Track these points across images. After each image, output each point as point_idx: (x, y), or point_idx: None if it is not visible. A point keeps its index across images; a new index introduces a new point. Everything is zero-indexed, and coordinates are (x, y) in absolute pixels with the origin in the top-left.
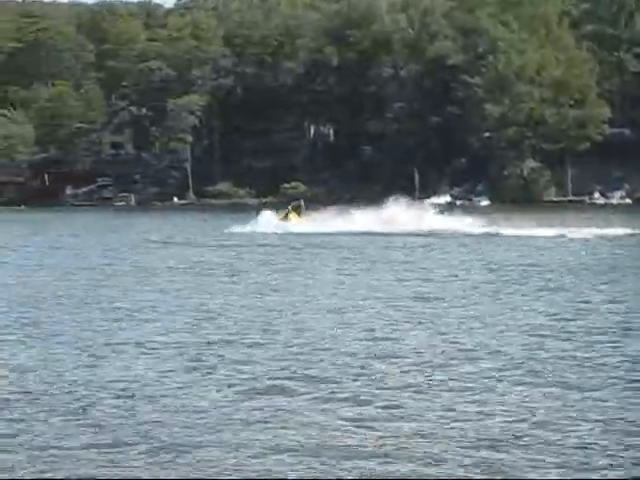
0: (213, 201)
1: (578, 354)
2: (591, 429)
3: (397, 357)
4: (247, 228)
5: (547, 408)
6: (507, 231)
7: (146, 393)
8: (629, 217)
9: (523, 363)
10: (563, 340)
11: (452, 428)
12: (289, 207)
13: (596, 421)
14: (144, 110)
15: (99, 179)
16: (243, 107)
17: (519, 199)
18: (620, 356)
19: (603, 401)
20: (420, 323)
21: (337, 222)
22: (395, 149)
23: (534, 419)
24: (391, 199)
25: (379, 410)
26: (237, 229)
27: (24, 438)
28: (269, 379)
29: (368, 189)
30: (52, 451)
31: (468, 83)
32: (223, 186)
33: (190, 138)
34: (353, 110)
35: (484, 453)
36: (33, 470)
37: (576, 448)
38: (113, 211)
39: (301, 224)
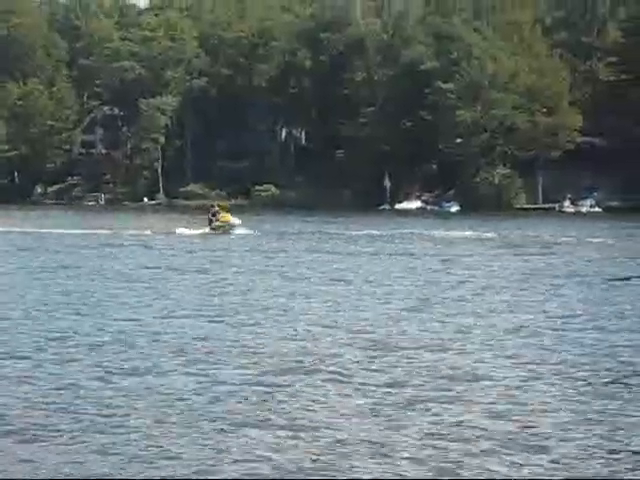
0: (184, 202)
1: None
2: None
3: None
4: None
5: None
6: None
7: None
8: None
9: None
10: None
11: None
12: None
13: None
14: (116, 110)
15: (69, 178)
16: (216, 108)
17: (490, 206)
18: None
19: None
20: None
21: None
22: (367, 153)
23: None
24: None
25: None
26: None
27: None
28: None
29: (339, 193)
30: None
31: (441, 89)
32: (194, 187)
33: (162, 138)
34: (326, 113)
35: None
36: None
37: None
38: (81, 210)
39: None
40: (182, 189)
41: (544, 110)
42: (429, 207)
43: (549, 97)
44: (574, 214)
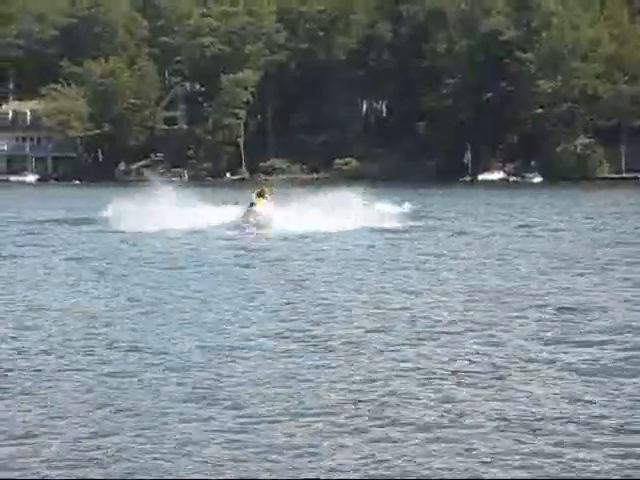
0: (266, 177)
1: None
2: None
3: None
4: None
5: None
6: None
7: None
8: None
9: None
10: None
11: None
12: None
13: None
14: (197, 86)
15: (152, 155)
16: (296, 83)
17: (572, 176)
18: None
19: None
20: None
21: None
22: (448, 125)
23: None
24: None
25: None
26: None
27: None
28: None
29: (420, 165)
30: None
31: (521, 59)
32: (275, 161)
33: (243, 114)
34: (406, 86)
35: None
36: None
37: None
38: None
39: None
40: (263, 164)
41: (626, 78)
42: (511, 178)
43: (631, 65)
44: None
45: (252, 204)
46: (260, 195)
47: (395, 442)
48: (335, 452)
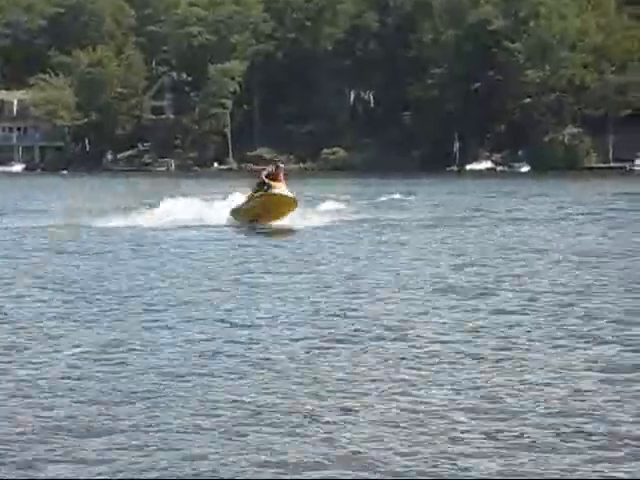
0: (253, 167)
1: None
2: None
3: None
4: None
5: None
6: None
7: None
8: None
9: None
10: None
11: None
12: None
13: None
14: (184, 75)
15: (139, 144)
16: (283, 72)
17: (560, 165)
18: None
19: None
20: None
21: None
22: (435, 115)
23: None
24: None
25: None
26: None
27: None
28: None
29: (407, 155)
30: None
31: (509, 48)
32: (263, 151)
33: (230, 103)
34: (393, 75)
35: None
36: None
37: None
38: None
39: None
40: (250, 153)
41: (613, 68)
42: (499, 168)
43: (618, 55)
44: None
45: (268, 186)
46: (272, 177)
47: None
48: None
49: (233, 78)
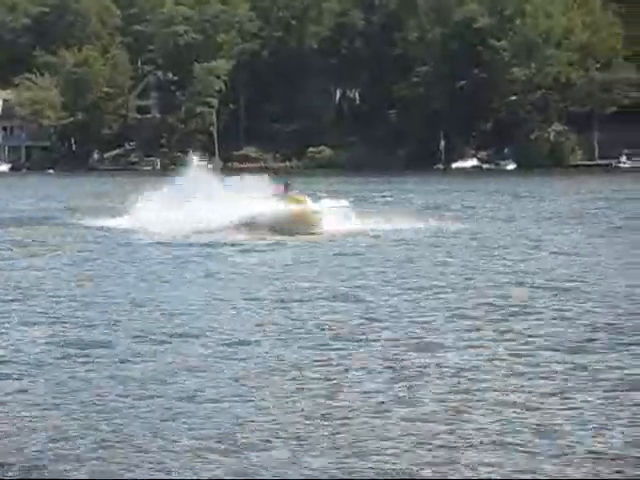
0: (239, 165)
1: None
2: None
3: None
4: None
5: None
6: None
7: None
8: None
9: None
10: None
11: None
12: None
13: None
14: (170, 75)
15: (125, 143)
16: (269, 71)
17: (545, 163)
18: None
19: None
20: None
21: None
22: (421, 113)
23: None
24: None
25: None
26: None
27: None
28: None
29: (393, 154)
30: None
31: (494, 46)
32: (249, 150)
33: (216, 102)
34: (379, 74)
35: None
36: None
37: None
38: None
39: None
40: (236, 152)
41: (598, 66)
42: (485, 166)
43: (603, 52)
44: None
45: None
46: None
47: None
48: None
49: (219, 77)
